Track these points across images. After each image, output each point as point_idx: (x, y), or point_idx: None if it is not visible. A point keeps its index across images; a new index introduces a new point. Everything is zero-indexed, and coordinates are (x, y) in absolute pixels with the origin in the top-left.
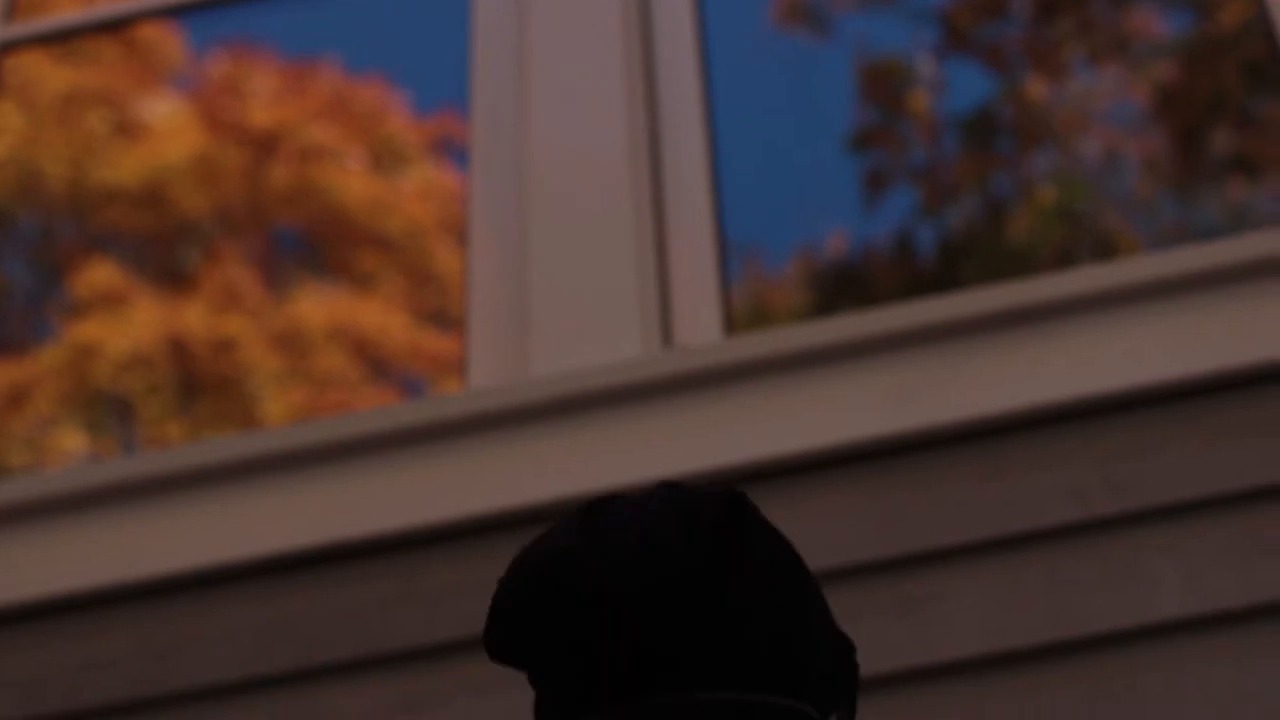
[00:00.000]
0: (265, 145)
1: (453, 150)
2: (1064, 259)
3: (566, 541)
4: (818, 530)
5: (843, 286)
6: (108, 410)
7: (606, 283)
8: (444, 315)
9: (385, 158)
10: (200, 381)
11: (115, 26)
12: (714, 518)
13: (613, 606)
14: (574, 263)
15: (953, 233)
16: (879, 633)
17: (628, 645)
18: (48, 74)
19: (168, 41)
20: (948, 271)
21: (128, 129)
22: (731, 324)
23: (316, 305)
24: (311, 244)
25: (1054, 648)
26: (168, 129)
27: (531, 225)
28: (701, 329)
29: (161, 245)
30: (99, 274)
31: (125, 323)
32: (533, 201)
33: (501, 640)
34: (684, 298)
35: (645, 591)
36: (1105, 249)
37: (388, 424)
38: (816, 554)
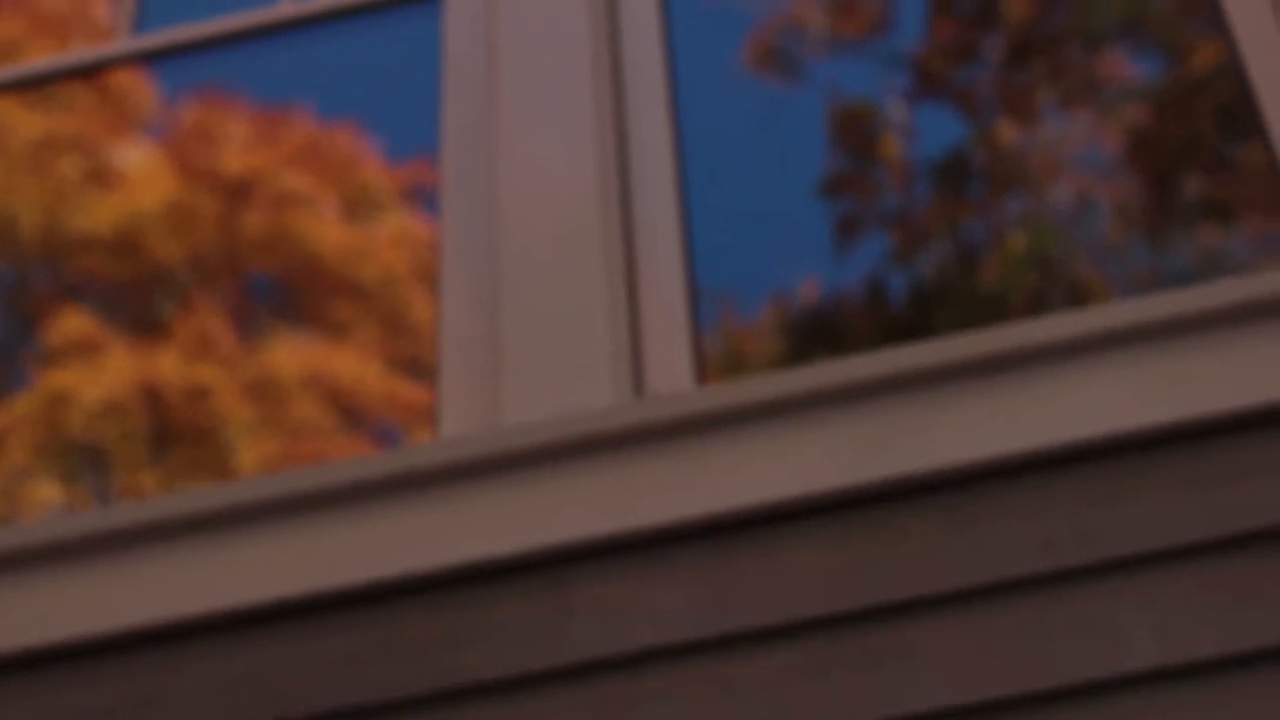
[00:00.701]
0: (239, 192)
1: (426, 198)
2: (1036, 305)
3: None
4: (788, 581)
5: (815, 333)
6: (81, 459)
7: (578, 330)
8: (418, 364)
9: (359, 205)
10: (174, 430)
11: (88, 73)
12: None
13: None
14: (545, 310)
15: (925, 279)
16: (848, 685)
17: None
18: (20, 120)
19: (140, 88)
20: (920, 318)
21: (101, 176)
22: (704, 371)
23: (290, 354)
24: (285, 292)
25: (1025, 700)
26: (141, 176)
27: (502, 273)
28: (673, 376)
29: (135, 293)
30: (72, 322)
31: (99, 371)
32: (503, 249)
33: None
34: (656, 345)
35: None
36: (1077, 295)
37: (359, 475)
38: (787, 605)
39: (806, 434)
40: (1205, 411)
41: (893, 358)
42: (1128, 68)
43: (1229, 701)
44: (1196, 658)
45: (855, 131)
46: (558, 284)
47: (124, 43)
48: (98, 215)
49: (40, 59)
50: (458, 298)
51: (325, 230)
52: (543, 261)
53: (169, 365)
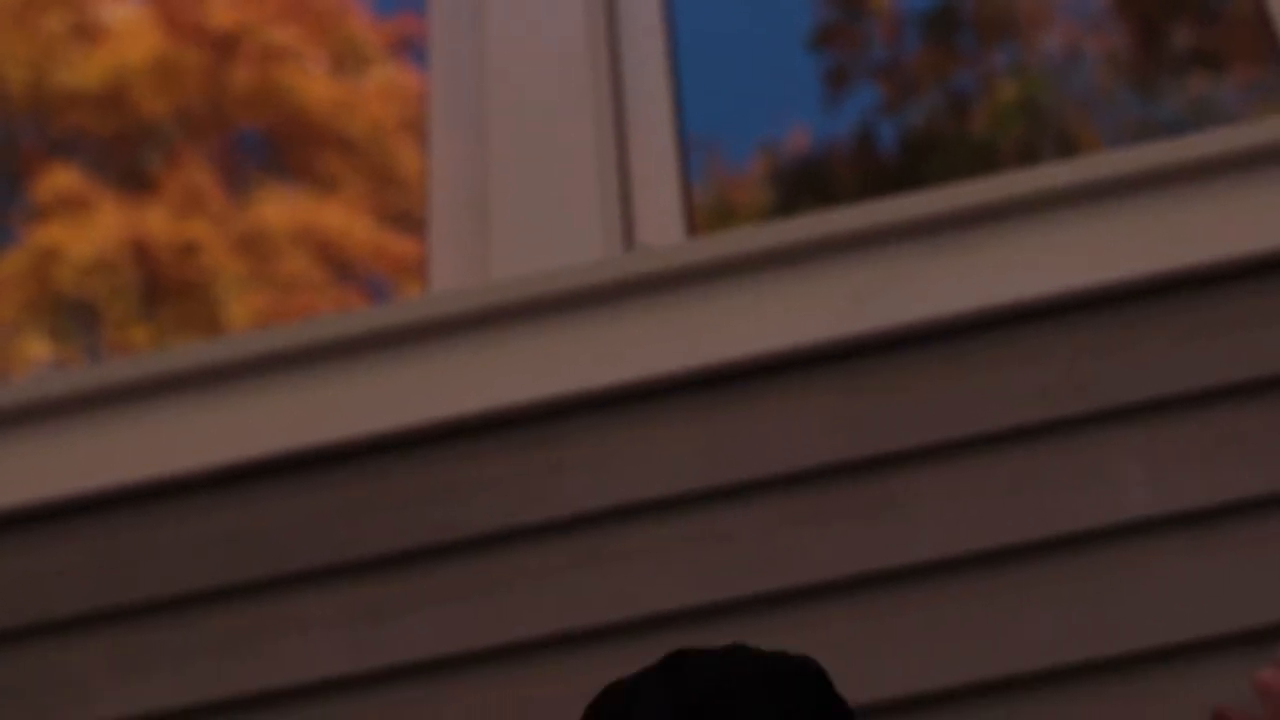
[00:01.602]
0: (225, 47)
1: (414, 51)
2: (1026, 155)
3: (651, 700)
4: (781, 432)
5: (805, 184)
6: (71, 316)
7: (567, 182)
8: (407, 217)
9: (346, 58)
10: (164, 286)
11: None
12: (811, 703)
13: None
14: (534, 163)
15: (914, 129)
16: (846, 535)
17: None
18: None
19: None
20: (910, 168)
21: (87, 31)
22: (694, 222)
23: (279, 208)
24: (273, 146)
25: (1021, 548)
26: (127, 31)
27: (491, 125)
28: (664, 229)
29: (123, 148)
30: (60, 178)
31: (87, 227)
32: (492, 101)
33: None
34: (646, 198)
35: None
36: (1067, 145)
37: (349, 329)
38: (781, 456)
39: (798, 285)
40: (1198, 261)
41: (884, 208)
42: None
43: (1221, 550)
44: (1189, 506)
45: None
46: (546, 137)
47: None
48: (84, 71)
49: None
50: (446, 152)
51: (312, 84)
52: (531, 114)
53: (158, 220)
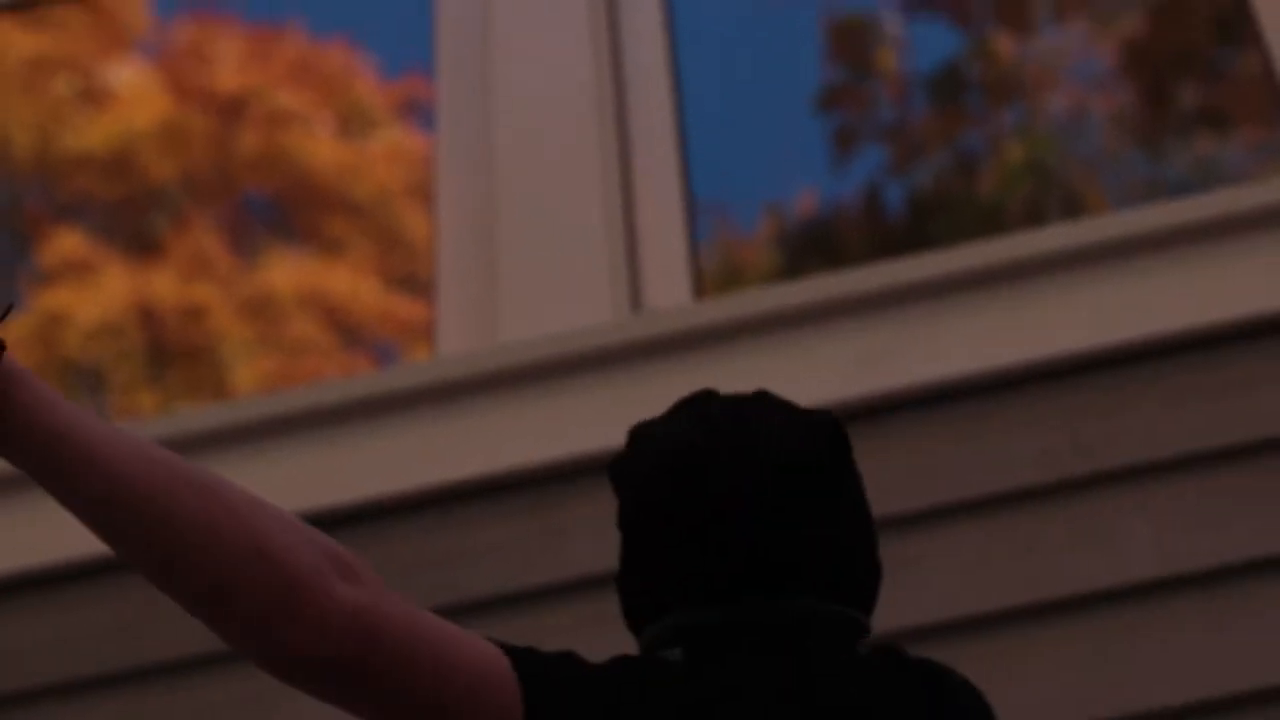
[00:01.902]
0: (232, 111)
1: (419, 113)
2: (1033, 215)
3: (689, 435)
4: None
5: (812, 245)
6: (78, 380)
7: (575, 245)
8: (413, 280)
9: (353, 121)
10: (170, 349)
11: None
12: (832, 436)
13: (741, 505)
14: (542, 226)
15: (921, 190)
16: None
17: (748, 543)
18: (13, 40)
19: (133, 7)
20: (917, 228)
21: (94, 95)
22: (701, 285)
23: (286, 271)
24: (280, 209)
25: (1027, 610)
26: (134, 95)
27: (498, 188)
28: (671, 292)
29: (130, 212)
30: (67, 242)
31: (94, 291)
32: (499, 164)
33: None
34: (653, 260)
35: (774, 494)
36: (1073, 206)
37: (357, 393)
38: None
39: (805, 347)
40: (1204, 322)
41: (890, 271)
42: None
43: (1228, 610)
44: (1195, 568)
45: (851, 44)
46: (554, 199)
47: None
48: (91, 135)
49: None
50: (454, 214)
51: (319, 147)
52: (539, 176)
53: (164, 284)
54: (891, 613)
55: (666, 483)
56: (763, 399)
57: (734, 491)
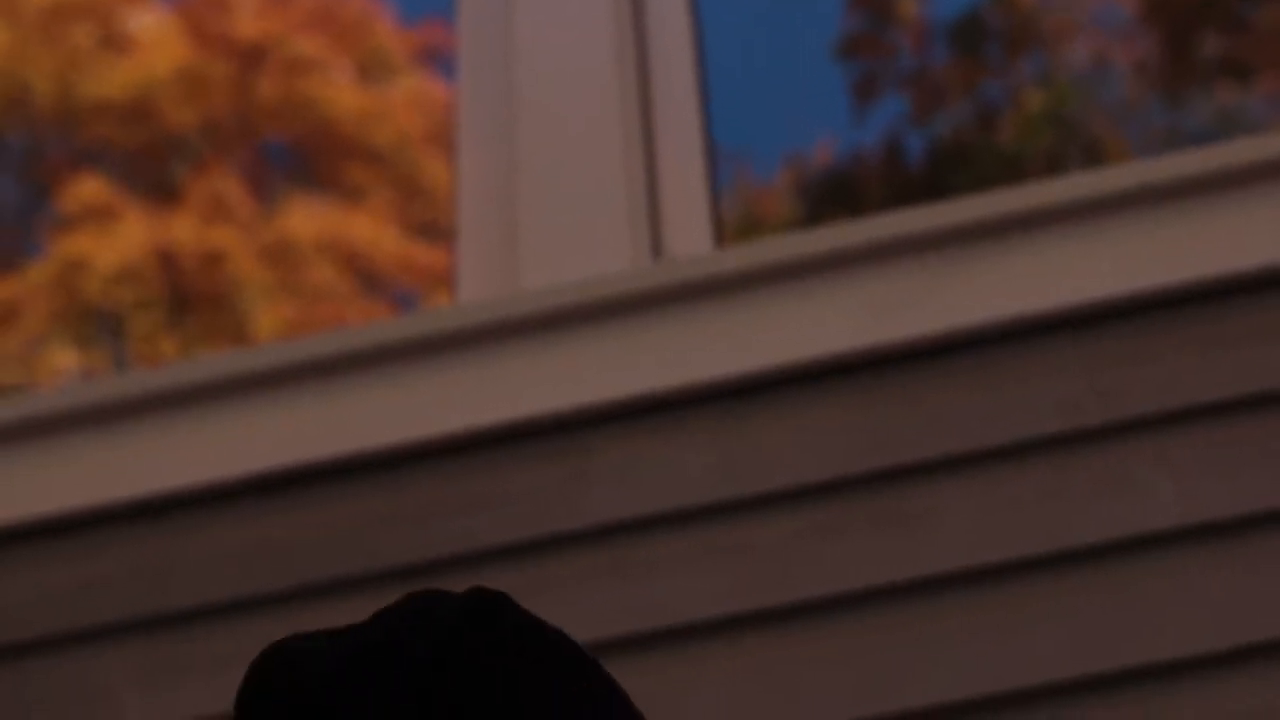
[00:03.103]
0: (252, 57)
1: (440, 60)
2: (1053, 165)
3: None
4: (806, 443)
5: (831, 195)
6: (99, 326)
7: (596, 192)
8: (434, 227)
9: (372, 68)
10: (190, 295)
11: None
12: (456, 616)
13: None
14: (563, 173)
15: (942, 140)
16: (867, 547)
17: None
18: None
19: None
20: (937, 178)
21: (114, 42)
22: (722, 233)
23: (306, 218)
24: (300, 157)
25: (1045, 559)
26: (154, 42)
27: (520, 135)
28: (692, 239)
29: (150, 159)
30: (87, 188)
31: (114, 237)
32: (521, 110)
33: None
34: (674, 207)
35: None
36: (1094, 155)
37: (377, 339)
38: (805, 467)
39: (825, 296)
40: (1224, 271)
41: (910, 219)
42: None
43: (1250, 560)
44: (1217, 516)
45: None
46: (576, 147)
47: None
48: (111, 81)
49: None
50: (475, 161)
51: (339, 94)
52: (561, 124)
53: (185, 230)
54: (908, 563)
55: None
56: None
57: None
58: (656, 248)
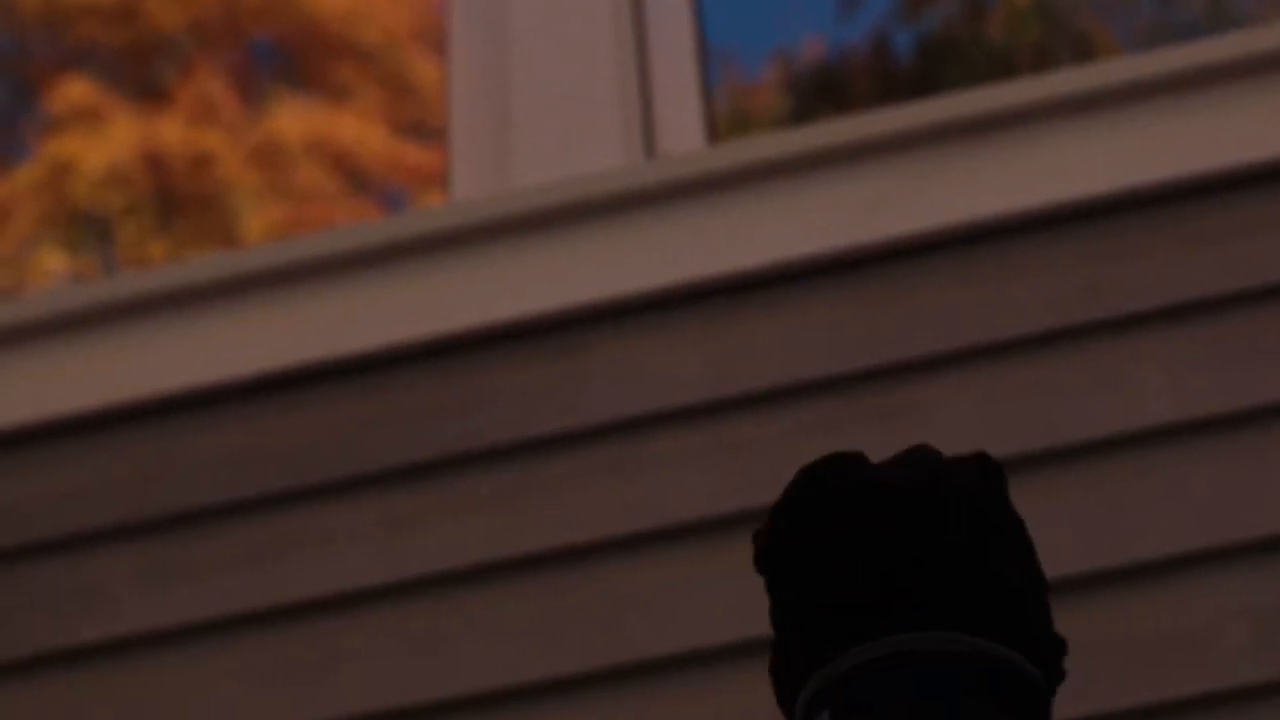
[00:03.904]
0: None
1: None
2: (1041, 60)
3: (856, 464)
4: (798, 340)
5: (820, 92)
6: (87, 229)
7: (588, 90)
8: (423, 127)
9: None
10: (178, 198)
11: None
12: (989, 475)
13: (902, 523)
14: (555, 71)
15: (930, 35)
16: (862, 442)
17: (902, 573)
18: None
19: None
20: (926, 74)
21: None
22: (714, 131)
23: (293, 119)
24: (286, 56)
25: (1036, 456)
26: None
27: (512, 33)
28: (684, 137)
29: (136, 59)
30: (74, 90)
31: (102, 139)
32: (513, 8)
33: (783, 534)
34: (666, 106)
35: (943, 517)
36: (1082, 49)
37: (369, 240)
38: (797, 364)
39: (817, 193)
40: (1215, 166)
41: (900, 115)
42: None
43: (1241, 455)
44: (1208, 412)
45: None
46: (568, 45)
47: None
48: None
49: None
50: (467, 59)
51: None
52: (553, 22)
53: (172, 132)
54: None
55: (798, 536)
56: (913, 450)
57: (865, 531)
58: (649, 146)
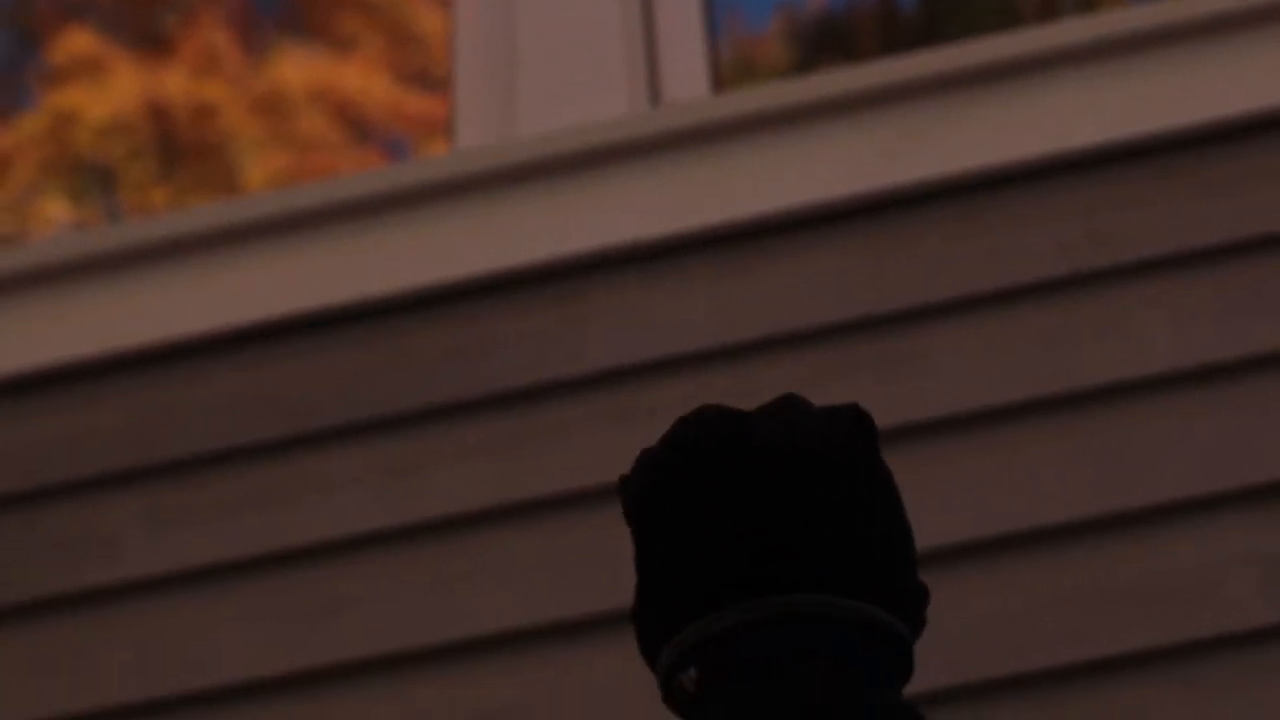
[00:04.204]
0: None
1: None
2: (1046, 10)
3: (726, 420)
4: (804, 288)
5: (824, 42)
6: (90, 178)
7: (594, 39)
8: (425, 75)
9: None
10: (181, 147)
11: None
12: (860, 429)
13: (744, 501)
14: (560, 19)
15: None
16: (866, 390)
17: (773, 532)
18: None
19: None
20: (930, 25)
21: None
22: (719, 79)
23: (297, 68)
24: (290, 5)
25: (1042, 403)
26: None
27: None
28: (689, 85)
29: (139, 9)
30: (77, 40)
31: (105, 89)
32: None
33: (647, 488)
34: (671, 54)
35: (811, 477)
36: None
37: (372, 188)
38: (803, 312)
39: (824, 141)
40: (1221, 115)
41: (907, 65)
42: None
43: (1244, 403)
44: (1212, 360)
45: None
46: None
47: None
48: None
49: None
50: (471, 8)
51: None
52: None
53: (175, 82)
54: (907, 404)
55: (668, 491)
56: (784, 401)
57: (734, 488)
58: (654, 94)
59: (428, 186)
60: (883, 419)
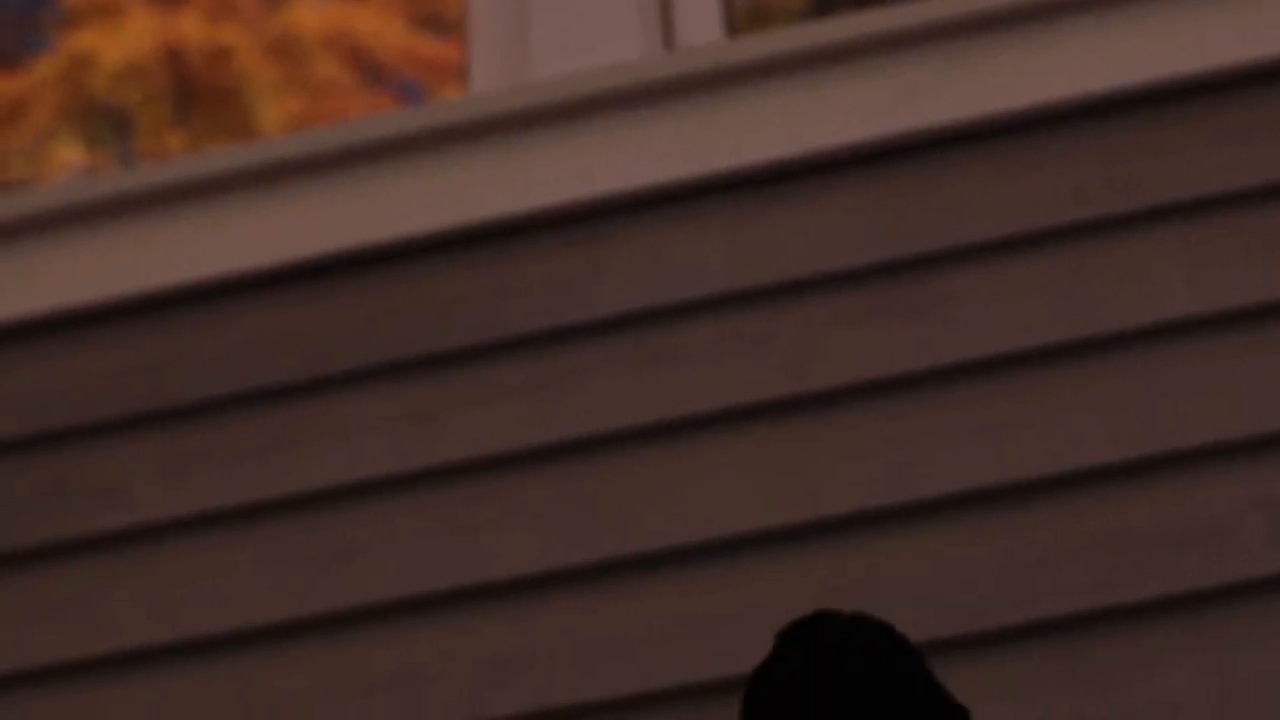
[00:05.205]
0: None
1: None
2: None
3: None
4: (821, 233)
5: None
6: (105, 122)
7: None
8: (439, 20)
9: None
10: (196, 91)
11: None
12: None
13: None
14: None
15: None
16: (886, 335)
17: None
18: None
19: None
20: None
21: None
22: (734, 23)
23: (311, 12)
24: None
25: (1060, 348)
26: None
27: None
28: (704, 29)
29: None
30: None
31: (120, 32)
32: None
33: None
34: None
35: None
36: None
37: (388, 131)
38: (820, 257)
39: (840, 85)
40: (1240, 61)
41: (925, 8)
42: None
43: (1262, 349)
44: (1230, 305)
45: None
46: None
47: None
48: None
49: None
50: None
51: None
52: None
53: (190, 26)
54: (924, 350)
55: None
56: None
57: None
58: (668, 38)
59: (444, 130)
60: (901, 364)
